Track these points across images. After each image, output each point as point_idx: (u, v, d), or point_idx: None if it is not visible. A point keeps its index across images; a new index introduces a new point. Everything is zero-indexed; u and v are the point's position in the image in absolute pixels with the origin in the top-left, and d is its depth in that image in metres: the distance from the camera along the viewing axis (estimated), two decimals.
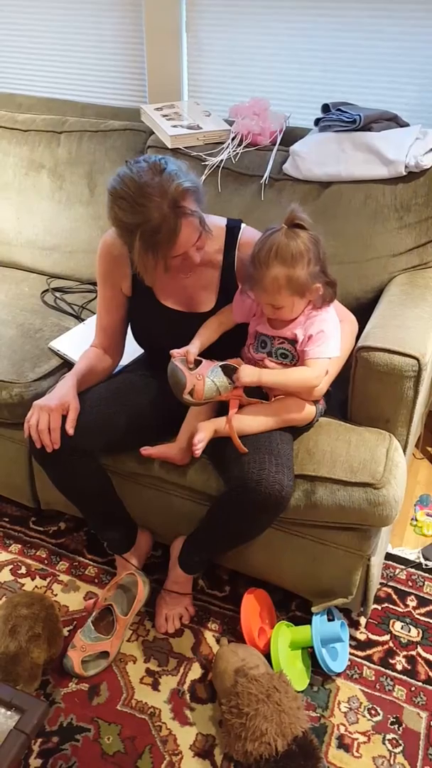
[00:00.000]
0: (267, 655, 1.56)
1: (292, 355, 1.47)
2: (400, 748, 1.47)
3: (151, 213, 1.29)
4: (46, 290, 2.20)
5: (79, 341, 1.90)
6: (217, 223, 1.55)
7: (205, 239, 1.42)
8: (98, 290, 1.64)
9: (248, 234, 1.54)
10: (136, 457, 1.60)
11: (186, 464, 1.60)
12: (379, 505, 1.42)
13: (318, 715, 1.53)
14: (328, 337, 1.43)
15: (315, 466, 1.48)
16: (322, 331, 1.42)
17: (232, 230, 1.55)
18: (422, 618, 1.74)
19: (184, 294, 1.58)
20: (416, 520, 2.03)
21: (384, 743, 1.48)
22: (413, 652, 1.66)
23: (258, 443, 1.44)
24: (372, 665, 1.63)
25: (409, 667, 1.63)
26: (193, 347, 1.48)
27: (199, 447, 1.45)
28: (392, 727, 1.51)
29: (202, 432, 1.46)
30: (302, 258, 1.35)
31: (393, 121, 1.87)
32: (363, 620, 1.73)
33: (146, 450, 1.58)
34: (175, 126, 2.02)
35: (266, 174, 1.91)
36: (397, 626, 1.72)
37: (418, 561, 1.89)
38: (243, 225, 1.56)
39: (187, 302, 1.59)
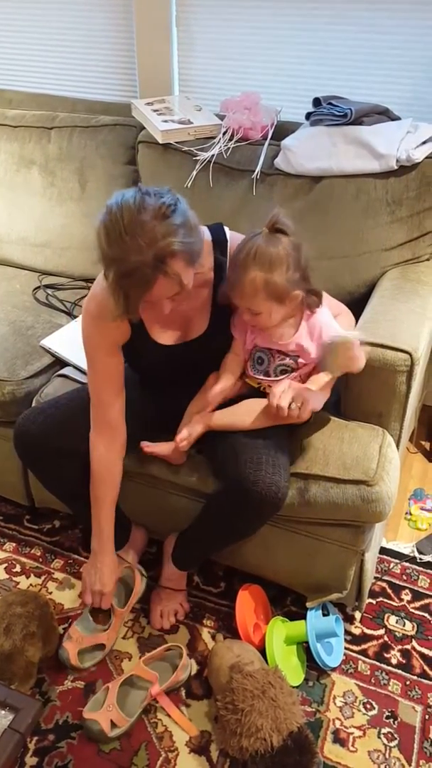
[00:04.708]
0: (262, 651, 1.57)
1: (292, 369, 1.46)
2: (395, 742, 1.48)
3: (129, 254, 1.16)
4: (38, 287, 2.19)
5: (70, 339, 1.90)
6: (203, 238, 1.42)
7: (184, 298, 1.32)
8: (91, 363, 1.48)
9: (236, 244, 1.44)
10: (129, 455, 1.59)
11: (181, 464, 1.60)
12: (372, 502, 1.42)
13: (313, 710, 1.54)
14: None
15: (308, 463, 1.48)
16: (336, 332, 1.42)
17: (220, 244, 1.45)
18: (417, 612, 1.74)
19: (178, 321, 1.48)
20: (410, 514, 2.03)
21: (379, 737, 1.48)
22: (408, 646, 1.66)
23: (255, 442, 1.42)
24: (367, 659, 1.64)
25: (404, 661, 1.63)
26: (222, 384, 1.47)
27: (184, 444, 1.46)
28: (387, 721, 1.51)
29: (189, 428, 1.46)
30: (281, 263, 1.32)
31: (384, 114, 1.86)
32: (358, 615, 1.74)
33: (148, 447, 1.56)
34: (165, 121, 2.01)
35: (258, 169, 1.90)
36: (391, 620, 1.72)
37: (412, 555, 1.90)
38: (228, 234, 1.46)
39: (183, 328, 1.49)
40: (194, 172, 1.95)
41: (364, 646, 1.67)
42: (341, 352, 1.34)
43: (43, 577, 1.84)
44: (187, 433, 1.46)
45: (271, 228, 1.34)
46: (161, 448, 1.56)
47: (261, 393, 1.48)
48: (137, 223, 1.16)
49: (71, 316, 2.06)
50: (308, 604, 1.63)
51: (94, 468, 1.52)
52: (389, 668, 1.62)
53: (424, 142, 1.76)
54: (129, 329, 1.44)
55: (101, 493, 1.54)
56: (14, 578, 1.84)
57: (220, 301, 1.46)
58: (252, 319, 1.40)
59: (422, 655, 1.64)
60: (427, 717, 1.52)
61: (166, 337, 1.49)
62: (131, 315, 1.28)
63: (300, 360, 1.44)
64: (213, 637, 1.68)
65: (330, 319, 1.44)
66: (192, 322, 1.49)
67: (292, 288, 1.35)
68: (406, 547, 1.92)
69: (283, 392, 1.35)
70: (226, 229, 1.48)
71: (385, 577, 1.83)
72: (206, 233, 1.45)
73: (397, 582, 1.82)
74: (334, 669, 1.61)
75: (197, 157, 1.96)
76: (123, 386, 1.50)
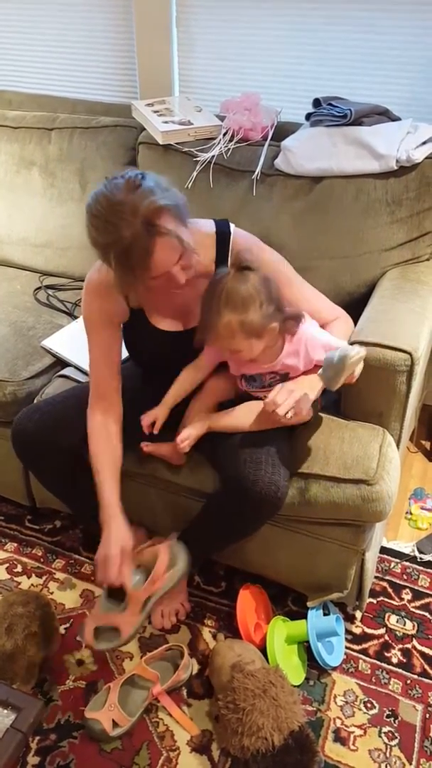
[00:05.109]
0: (263, 650, 1.57)
1: (285, 378, 1.46)
2: (396, 741, 1.48)
3: (121, 232, 1.21)
4: (39, 288, 2.19)
5: (71, 339, 1.91)
6: (206, 230, 1.47)
7: (190, 258, 1.33)
8: (90, 340, 1.51)
9: (240, 240, 1.48)
10: (128, 454, 1.59)
11: (181, 464, 1.60)
12: (372, 502, 1.42)
13: (314, 709, 1.54)
14: (327, 344, 1.42)
15: (308, 463, 1.48)
16: (321, 348, 1.41)
17: (223, 236, 1.47)
18: (417, 611, 1.75)
19: (179, 309, 1.50)
20: (411, 513, 2.04)
21: (380, 736, 1.49)
22: (408, 645, 1.67)
23: (255, 441, 1.42)
24: (368, 659, 1.64)
25: (404, 660, 1.64)
26: (162, 410, 1.49)
27: (185, 445, 1.45)
28: (388, 720, 1.52)
29: (189, 429, 1.45)
30: (253, 301, 1.31)
31: (384, 115, 1.86)
32: (358, 614, 1.74)
33: (147, 446, 1.56)
34: (166, 122, 2.02)
35: (258, 169, 1.91)
36: (392, 619, 1.73)
37: (412, 554, 1.90)
38: (233, 228, 1.48)
39: (183, 318, 1.52)
40: (194, 173, 1.95)
41: (364, 646, 1.67)
42: (350, 367, 1.31)
43: (44, 577, 1.85)
44: (188, 434, 1.46)
45: (237, 267, 1.34)
46: (161, 447, 1.57)
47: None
48: (116, 203, 1.22)
49: (72, 316, 2.07)
50: (309, 604, 1.63)
51: (91, 435, 1.51)
52: (390, 667, 1.62)
53: (423, 143, 1.76)
54: (128, 308, 1.47)
55: (100, 459, 1.50)
56: (15, 578, 1.84)
57: (196, 345, 1.46)
58: (232, 356, 1.40)
59: (423, 654, 1.65)
60: (427, 716, 1.52)
61: (165, 324, 1.52)
62: (142, 301, 1.32)
63: (290, 375, 1.45)
64: (214, 637, 1.69)
65: (314, 329, 1.43)
66: (191, 312, 1.50)
67: (268, 322, 1.34)
68: (406, 547, 1.93)
69: (285, 402, 1.34)
70: (232, 225, 1.49)
71: (386, 577, 1.84)
72: (211, 226, 1.48)
73: (398, 581, 1.83)
74: (334, 668, 1.61)
75: (197, 158, 1.96)
76: (119, 366, 1.53)
